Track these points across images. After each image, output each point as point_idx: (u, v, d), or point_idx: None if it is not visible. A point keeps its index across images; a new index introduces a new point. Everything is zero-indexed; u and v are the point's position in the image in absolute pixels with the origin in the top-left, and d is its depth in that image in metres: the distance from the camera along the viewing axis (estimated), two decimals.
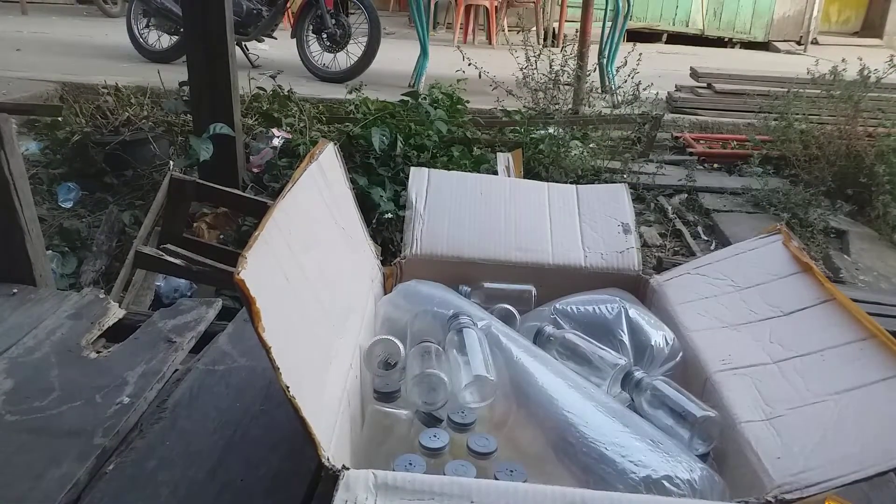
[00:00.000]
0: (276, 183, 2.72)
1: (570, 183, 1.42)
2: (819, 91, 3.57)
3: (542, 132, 3.26)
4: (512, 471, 0.68)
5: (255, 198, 2.25)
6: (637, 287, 1.13)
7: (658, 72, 4.25)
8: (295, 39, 4.93)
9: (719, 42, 8.52)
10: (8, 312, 1.15)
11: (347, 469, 0.58)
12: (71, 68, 4.56)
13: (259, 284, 0.59)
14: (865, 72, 3.39)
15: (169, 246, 1.87)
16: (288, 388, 0.58)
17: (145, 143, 2.86)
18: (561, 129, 3.33)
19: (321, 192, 0.91)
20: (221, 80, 2.51)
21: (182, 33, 4.64)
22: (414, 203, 1.18)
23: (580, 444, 0.71)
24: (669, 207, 3.10)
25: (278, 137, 2.92)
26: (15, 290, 1.22)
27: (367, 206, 2.42)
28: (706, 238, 2.89)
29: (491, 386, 0.78)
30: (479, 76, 3.63)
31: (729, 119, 4.34)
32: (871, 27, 9.01)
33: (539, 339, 0.94)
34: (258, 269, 0.61)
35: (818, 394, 0.73)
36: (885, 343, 0.73)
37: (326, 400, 0.70)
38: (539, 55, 3.68)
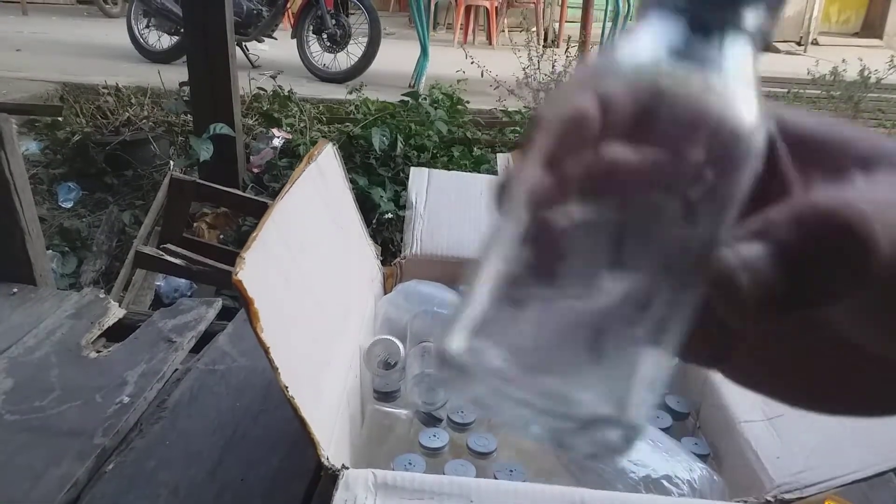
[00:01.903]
0: (277, 183, 2.72)
1: None
2: (819, 91, 3.57)
3: None
4: (512, 470, 0.68)
5: (256, 198, 2.25)
6: None
7: None
8: (295, 40, 4.94)
9: None
10: (8, 312, 1.15)
11: (347, 468, 0.58)
12: (71, 68, 4.57)
13: (257, 285, 0.59)
14: (865, 72, 3.40)
15: (169, 246, 1.88)
16: (287, 387, 0.58)
17: (145, 143, 2.87)
18: None
19: (320, 192, 0.91)
20: (221, 81, 2.51)
21: (182, 33, 4.64)
22: (414, 203, 1.18)
23: None
24: None
25: (278, 138, 2.92)
26: (15, 290, 1.22)
27: (367, 207, 2.42)
28: None
29: None
30: (482, 75, 3.63)
31: None
32: (871, 27, 9.01)
33: None
34: (256, 270, 0.61)
35: None
36: None
37: (326, 400, 0.70)
38: (543, 55, 3.69)
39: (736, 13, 0.20)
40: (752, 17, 0.20)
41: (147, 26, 5.09)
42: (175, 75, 3.21)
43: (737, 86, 0.21)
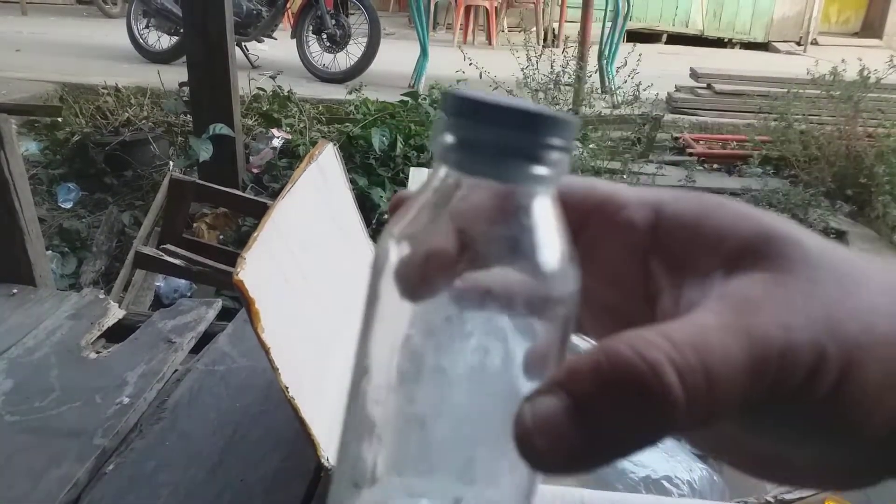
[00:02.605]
0: (276, 183, 2.73)
1: None
2: (819, 91, 3.57)
3: None
4: None
5: (255, 198, 2.25)
6: None
7: (658, 72, 4.26)
8: (295, 40, 4.94)
9: (719, 43, 8.53)
10: (8, 313, 1.15)
11: None
12: (71, 69, 4.57)
13: (258, 285, 0.59)
14: (865, 72, 3.40)
15: (169, 246, 1.88)
16: (287, 388, 0.58)
17: (145, 143, 2.87)
18: None
19: (320, 192, 0.91)
20: (221, 81, 2.51)
21: (182, 34, 4.64)
22: None
23: None
24: None
25: (278, 138, 2.92)
26: (15, 291, 1.22)
27: (366, 207, 2.43)
28: None
29: None
30: (480, 76, 3.63)
31: (729, 119, 4.34)
32: (870, 27, 9.02)
33: None
34: (257, 270, 0.61)
35: None
36: None
37: (326, 400, 0.70)
38: (541, 55, 3.69)
39: (527, 168, 0.20)
40: (544, 168, 0.20)
41: (147, 26, 5.09)
42: (175, 75, 3.21)
43: (535, 239, 0.20)
